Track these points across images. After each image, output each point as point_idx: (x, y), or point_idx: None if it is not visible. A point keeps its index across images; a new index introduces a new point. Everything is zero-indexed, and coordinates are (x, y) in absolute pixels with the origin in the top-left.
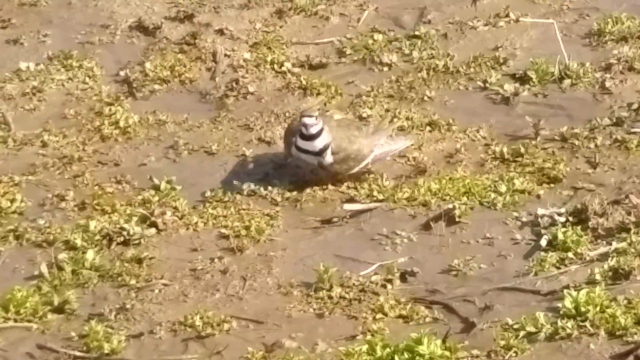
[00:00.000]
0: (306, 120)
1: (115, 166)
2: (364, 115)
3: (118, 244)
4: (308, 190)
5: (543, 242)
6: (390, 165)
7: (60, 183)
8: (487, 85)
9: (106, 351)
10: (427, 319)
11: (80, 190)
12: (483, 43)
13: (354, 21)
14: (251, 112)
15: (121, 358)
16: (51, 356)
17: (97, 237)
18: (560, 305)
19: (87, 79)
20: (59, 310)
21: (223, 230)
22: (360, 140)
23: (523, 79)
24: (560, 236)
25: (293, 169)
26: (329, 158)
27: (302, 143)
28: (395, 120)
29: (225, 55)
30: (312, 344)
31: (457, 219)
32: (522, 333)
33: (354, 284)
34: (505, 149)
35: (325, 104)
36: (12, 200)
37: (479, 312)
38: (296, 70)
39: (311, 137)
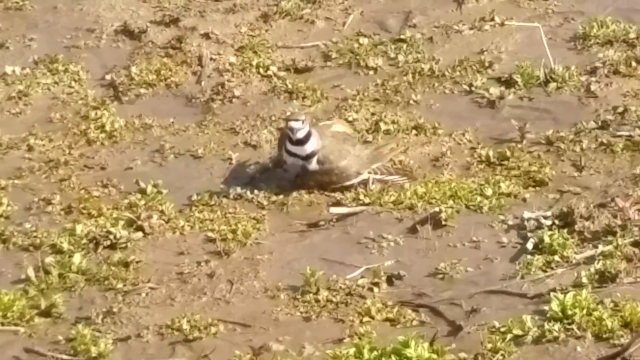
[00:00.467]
0: (293, 124)
1: (101, 170)
2: (350, 119)
3: (105, 247)
4: (294, 193)
5: (529, 245)
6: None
7: (47, 187)
8: (473, 88)
9: (93, 355)
10: (414, 322)
11: (66, 194)
12: (468, 47)
13: (340, 25)
14: (237, 116)
15: None
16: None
17: (84, 240)
18: (547, 308)
19: (73, 83)
20: (46, 313)
21: (209, 234)
22: (351, 158)
23: (508, 83)
24: (547, 239)
25: (280, 173)
26: (313, 165)
27: (291, 147)
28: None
29: (211, 59)
30: (299, 347)
31: (443, 223)
32: (509, 336)
33: (340, 287)
34: (491, 153)
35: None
36: None
37: (465, 315)
38: (282, 74)
39: (300, 142)
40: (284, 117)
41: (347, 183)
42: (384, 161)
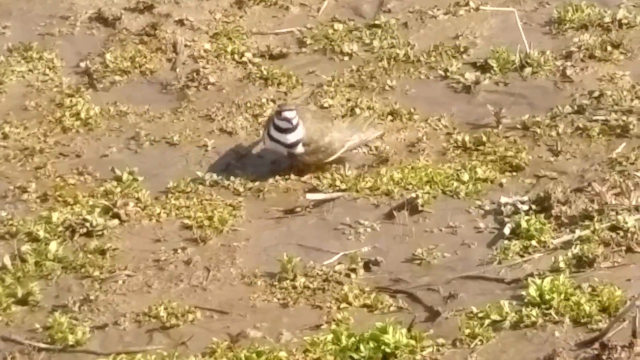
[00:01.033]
0: (287, 114)
1: (76, 157)
2: (325, 105)
3: (81, 235)
4: (271, 180)
5: (506, 231)
6: (353, 155)
7: (22, 175)
8: (448, 74)
9: (71, 342)
10: (392, 308)
11: (42, 182)
12: (443, 32)
13: (314, 11)
14: (212, 103)
15: (86, 349)
16: (15, 348)
17: (60, 228)
18: (524, 293)
19: (48, 71)
20: (22, 302)
21: (186, 221)
22: (333, 133)
23: (484, 68)
24: (524, 224)
25: (256, 159)
26: (299, 149)
27: (275, 134)
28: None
29: (186, 45)
30: (277, 334)
31: (420, 208)
32: (487, 321)
33: (317, 274)
34: (467, 138)
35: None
36: None
37: (443, 301)
38: (257, 60)
39: (285, 130)
40: (277, 106)
41: (333, 157)
42: (362, 130)
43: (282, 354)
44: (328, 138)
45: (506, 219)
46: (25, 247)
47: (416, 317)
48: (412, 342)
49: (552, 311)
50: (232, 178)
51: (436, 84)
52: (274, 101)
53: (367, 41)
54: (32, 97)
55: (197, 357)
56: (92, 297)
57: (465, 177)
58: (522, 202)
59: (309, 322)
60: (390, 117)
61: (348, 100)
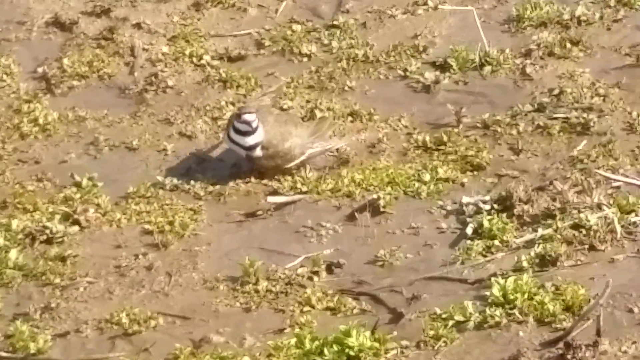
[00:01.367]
0: (247, 117)
1: (35, 164)
2: (285, 107)
3: (41, 242)
4: (231, 183)
5: (469, 231)
6: (313, 157)
7: None
8: (408, 73)
9: (32, 351)
10: (355, 311)
11: (1, 189)
12: (402, 31)
13: (272, 12)
14: (171, 106)
15: (47, 358)
16: None
17: (20, 236)
18: (488, 293)
19: (5, 77)
20: None
21: (147, 226)
22: (294, 139)
23: (443, 67)
24: (486, 224)
25: (216, 163)
26: (257, 152)
27: (234, 136)
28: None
29: (144, 49)
30: (240, 339)
31: (381, 209)
32: (450, 322)
33: (280, 277)
34: (427, 138)
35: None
36: None
37: (406, 303)
38: (215, 63)
39: (244, 133)
40: (237, 109)
41: (292, 164)
42: (324, 137)
43: (246, 358)
44: (288, 143)
45: (468, 219)
46: None
47: (379, 319)
48: (376, 344)
49: (516, 311)
50: (192, 182)
51: (396, 84)
52: (233, 104)
53: (326, 42)
54: None
55: None
56: (53, 305)
57: (427, 177)
58: (484, 202)
59: (272, 326)
60: (350, 118)
61: (308, 101)
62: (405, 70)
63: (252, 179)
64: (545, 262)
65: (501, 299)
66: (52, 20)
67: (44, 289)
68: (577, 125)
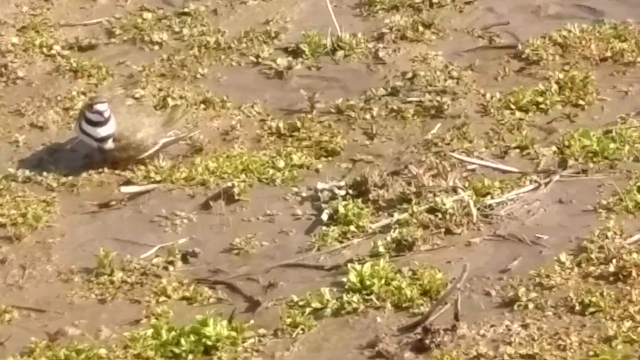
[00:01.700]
0: (99, 107)
1: None
2: (137, 95)
3: None
4: (84, 174)
5: (324, 217)
6: (167, 146)
7: None
8: (260, 60)
9: None
10: (212, 300)
11: None
12: (254, 17)
13: (122, 0)
14: (22, 98)
15: None
16: None
17: None
18: (344, 279)
19: None
20: None
21: None
22: (147, 129)
23: (296, 53)
24: (342, 210)
25: (69, 153)
26: (109, 144)
27: (86, 127)
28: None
29: None
30: (96, 331)
31: (236, 197)
32: (308, 310)
33: (135, 268)
34: (281, 124)
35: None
36: None
37: (263, 291)
38: (66, 52)
39: (96, 124)
40: (89, 99)
41: (145, 154)
42: (178, 126)
43: (102, 351)
44: (140, 135)
45: (324, 205)
46: None
47: (236, 308)
48: (233, 333)
49: (373, 297)
50: (45, 173)
51: (248, 71)
52: (84, 94)
53: (177, 29)
54: None
55: (16, 357)
56: None
57: (281, 163)
58: (339, 187)
59: (128, 317)
60: (202, 106)
61: (160, 90)
62: (257, 56)
63: (105, 169)
64: (401, 246)
65: (358, 284)
66: None
67: None
68: (431, 109)
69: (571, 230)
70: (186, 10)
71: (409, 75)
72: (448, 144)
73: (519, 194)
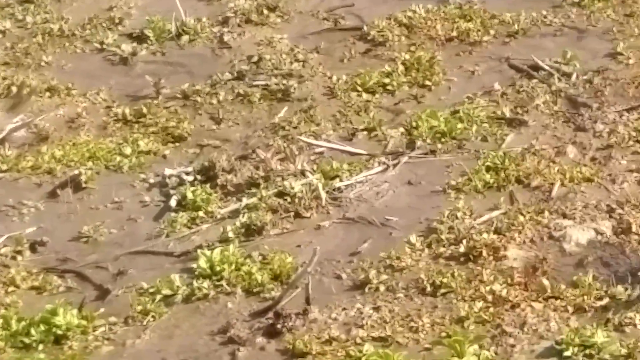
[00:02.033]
0: None
1: None
2: None
3: None
4: None
5: (172, 203)
6: (11, 134)
7: None
8: (104, 46)
9: None
10: (61, 289)
11: None
12: (97, 4)
13: None
14: None
15: None
16: None
17: None
18: (194, 265)
19: None
20: None
21: None
22: None
23: (140, 38)
24: (190, 195)
25: None
26: None
27: None
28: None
29: None
30: None
31: (83, 185)
32: (158, 297)
33: None
34: (127, 110)
35: None
36: None
37: (113, 278)
38: None
39: None
40: None
41: None
42: (25, 111)
43: None
44: None
45: (172, 191)
46: None
47: (86, 296)
48: (84, 322)
49: (223, 282)
50: None
51: (93, 58)
52: None
53: (20, 17)
54: None
55: None
56: None
57: (128, 150)
58: (187, 173)
59: None
60: (48, 94)
61: (4, 78)
62: (101, 43)
63: None
64: (251, 231)
65: (208, 270)
66: None
67: None
68: (278, 92)
69: (421, 212)
70: None
71: (255, 59)
72: (295, 128)
73: (367, 176)
